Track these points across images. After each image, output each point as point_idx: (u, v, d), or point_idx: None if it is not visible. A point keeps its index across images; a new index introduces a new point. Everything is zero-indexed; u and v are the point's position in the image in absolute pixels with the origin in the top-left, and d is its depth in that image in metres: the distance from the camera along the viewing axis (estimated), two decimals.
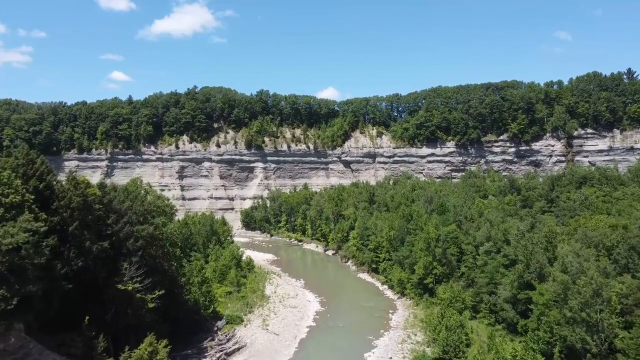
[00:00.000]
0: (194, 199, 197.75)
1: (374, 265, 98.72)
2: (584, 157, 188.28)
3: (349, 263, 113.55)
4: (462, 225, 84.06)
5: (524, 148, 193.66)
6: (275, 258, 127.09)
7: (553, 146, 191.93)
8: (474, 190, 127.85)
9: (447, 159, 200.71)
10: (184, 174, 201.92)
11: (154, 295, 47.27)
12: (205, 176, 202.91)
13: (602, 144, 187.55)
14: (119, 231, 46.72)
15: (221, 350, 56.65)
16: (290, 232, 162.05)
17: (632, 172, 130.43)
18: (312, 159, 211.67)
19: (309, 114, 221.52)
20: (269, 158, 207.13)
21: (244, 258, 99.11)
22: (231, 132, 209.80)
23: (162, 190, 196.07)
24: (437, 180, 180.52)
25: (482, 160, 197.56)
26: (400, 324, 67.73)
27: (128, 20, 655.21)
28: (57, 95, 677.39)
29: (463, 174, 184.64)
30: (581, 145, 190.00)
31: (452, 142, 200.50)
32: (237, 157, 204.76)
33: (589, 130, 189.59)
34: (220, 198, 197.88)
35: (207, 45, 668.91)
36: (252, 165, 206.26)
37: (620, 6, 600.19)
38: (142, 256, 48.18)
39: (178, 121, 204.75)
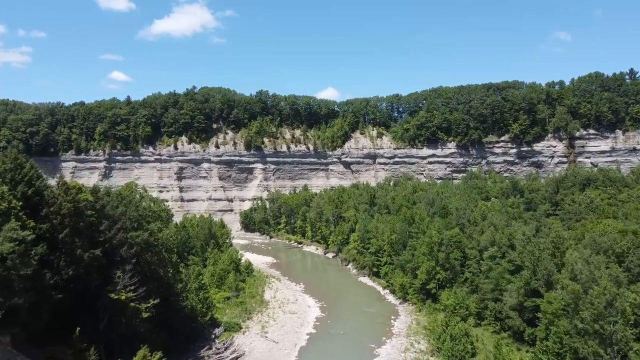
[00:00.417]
0: (193, 200, 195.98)
1: (375, 269, 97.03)
2: (586, 158, 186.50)
3: (349, 266, 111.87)
4: (464, 228, 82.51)
5: (525, 149, 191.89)
6: (275, 261, 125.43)
7: (555, 147, 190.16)
8: (476, 192, 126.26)
9: (448, 160, 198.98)
10: (183, 175, 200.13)
11: (149, 305, 45.54)
12: (204, 177, 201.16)
13: (604, 145, 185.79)
14: (112, 238, 45.00)
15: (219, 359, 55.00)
16: (289, 234, 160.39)
17: (635, 173, 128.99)
18: (312, 159, 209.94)
19: (309, 115, 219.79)
20: (268, 159, 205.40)
21: (242, 261, 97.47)
22: (230, 133, 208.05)
23: (161, 191, 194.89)
24: (438, 181, 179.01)
25: (483, 161, 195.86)
26: (403, 331, 66.02)
27: (128, 20, 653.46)
28: (56, 95, 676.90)
29: (464, 175, 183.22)
30: (583, 146, 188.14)
31: (453, 143, 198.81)
32: (236, 158, 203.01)
33: (591, 131, 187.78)
34: (219, 199, 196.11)
35: (207, 46, 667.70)
36: (251, 166, 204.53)
37: (621, 7, 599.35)
38: (136, 264, 46.49)
39: (177, 122, 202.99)
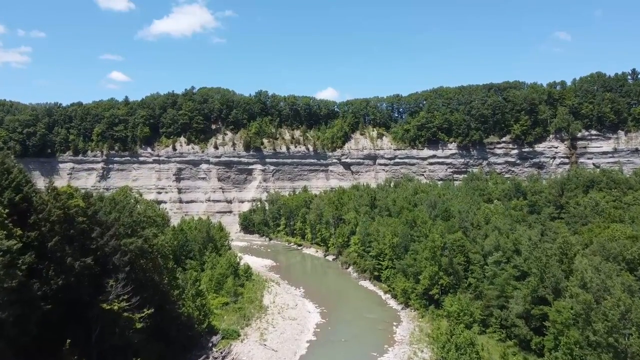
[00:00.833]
0: (192, 201, 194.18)
1: (376, 273, 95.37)
2: (588, 159, 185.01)
3: (349, 269, 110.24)
4: (467, 232, 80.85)
5: (526, 150, 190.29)
6: (274, 264, 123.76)
7: (556, 148, 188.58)
8: (477, 194, 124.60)
9: (448, 160, 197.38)
10: (181, 176, 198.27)
11: (143, 314, 43.84)
12: (203, 178, 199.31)
13: (606, 145, 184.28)
14: (104, 245, 43.26)
15: None
16: (289, 236, 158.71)
17: (639, 174, 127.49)
18: (312, 160, 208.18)
19: (309, 115, 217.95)
20: (267, 160, 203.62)
21: (241, 265, 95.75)
22: (229, 134, 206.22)
23: (159, 192, 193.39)
24: (439, 182, 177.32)
25: (484, 162, 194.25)
26: (406, 338, 64.34)
27: (127, 20, 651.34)
28: (56, 95, 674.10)
29: (465, 176, 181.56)
30: (585, 147, 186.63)
31: (453, 143, 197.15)
32: (236, 159, 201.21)
33: (593, 132, 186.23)
34: (218, 201, 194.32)
35: (207, 46, 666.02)
36: (250, 167, 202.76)
37: (621, 7, 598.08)
38: (130, 272, 44.74)
39: (175, 122, 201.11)
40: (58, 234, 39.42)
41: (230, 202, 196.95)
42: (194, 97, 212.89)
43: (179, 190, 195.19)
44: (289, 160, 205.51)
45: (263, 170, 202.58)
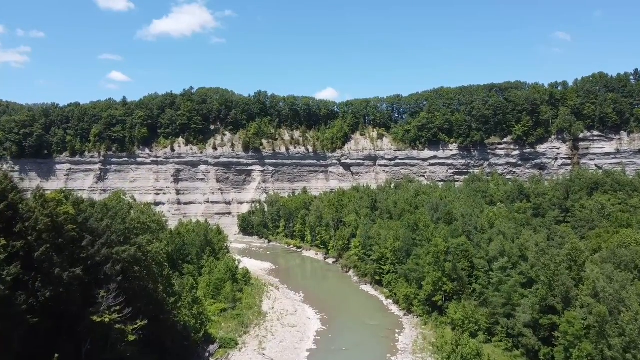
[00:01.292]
0: (190, 203, 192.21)
1: (377, 277, 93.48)
2: (590, 160, 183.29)
3: (350, 273, 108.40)
4: (471, 236, 78.96)
5: (528, 151, 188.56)
6: (274, 267, 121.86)
7: (558, 149, 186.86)
8: (480, 196, 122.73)
9: (449, 161, 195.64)
10: (180, 177, 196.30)
11: (136, 326, 41.88)
12: (202, 180, 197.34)
13: (608, 146, 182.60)
14: (95, 254, 41.31)
15: None
16: (288, 238, 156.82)
17: None
18: (312, 161, 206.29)
19: (308, 116, 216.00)
20: (267, 161, 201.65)
21: (240, 269, 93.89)
22: (228, 134, 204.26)
23: (157, 194, 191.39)
24: (440, 183, 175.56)
25: (486, 163, 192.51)
26: (409, 347, 62.44)
27: (127, 20, 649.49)
28: (55, 95, 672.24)
29: (466, 177, 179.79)
30: (587, 148, 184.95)
31: (454, 144, 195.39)
32: (235, 160, 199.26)
33: (595, 133, 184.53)
34: (216, 202, 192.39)
35: (206, 46, 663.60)
36: (249, 168, 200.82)
37: (621, 7, 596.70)
38: (122, 281, 42.79)
39: (173, 123, 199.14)
40: (46, 243, 37.44)
41: (229, 203, 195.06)
42: (193, 97, 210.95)
43: (178, 192, 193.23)
44: (288, 161, 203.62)
45: (262, 172, 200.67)
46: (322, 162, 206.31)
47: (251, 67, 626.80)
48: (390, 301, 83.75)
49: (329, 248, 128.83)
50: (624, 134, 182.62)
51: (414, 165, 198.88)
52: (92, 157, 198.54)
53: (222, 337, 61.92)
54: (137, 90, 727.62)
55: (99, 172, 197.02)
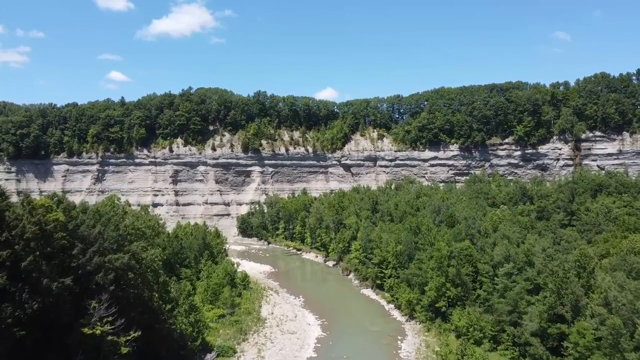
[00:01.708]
0: (189, 204, 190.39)
1: (378, 282, 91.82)
2: (592, 160, 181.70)
3: (350, 276, 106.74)
4: (475, 240, 77.36)
5: (530, 151, 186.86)
6: (273, 270, 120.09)
7: (560, 149, 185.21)
8: (482, 198, 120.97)
9: (450, 162, 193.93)
10: (178, 178, 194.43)
11: (129, 338, 40.24)
12: (200, 181, 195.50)
13: (611, 147, 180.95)
14: (86, 263, 39.66)
15: None
16: (288, 240, 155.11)
17: None
18: (311, 162, 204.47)
19: (308, 116, 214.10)
20: (266, 162, 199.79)
21: (239, 272, 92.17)
22: (227, 135, 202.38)
23: (156, 195, 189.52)
24: (441, 184, 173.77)
25: (487, 164, 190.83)
26: (412, 355, 60.77)
27: (126, 20, 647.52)
28: (55, 95, 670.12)
29: (467, 178, 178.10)
30: (589, 149, 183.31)
31: (455, 145, 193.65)
32: (234, 160, 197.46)
33: (598, 133, 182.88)
34: (215, 203, 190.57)
35: (206, 46, 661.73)
36: (249, 169, 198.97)
37: (621, 7, 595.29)
38: (114, 291, 41.13)
39: (172, 123, 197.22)
40: (33, 252, 35.81)
41: (228, 204, 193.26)
42: (192, 97, 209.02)
43: (176, 193, 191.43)
44: (288, 162, 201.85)
45: (262, 172, 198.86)
46: (321, 162, 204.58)
47: (251, 67, 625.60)
48: (392, 306, 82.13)
49: (329, 250, 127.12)
50: (626, 134, 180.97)
51: (414, 166, 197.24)
52: (89, 158, 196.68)
53: (219, 345, 60.22)
54: (136, 90, 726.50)
55: (96, 173, 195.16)
